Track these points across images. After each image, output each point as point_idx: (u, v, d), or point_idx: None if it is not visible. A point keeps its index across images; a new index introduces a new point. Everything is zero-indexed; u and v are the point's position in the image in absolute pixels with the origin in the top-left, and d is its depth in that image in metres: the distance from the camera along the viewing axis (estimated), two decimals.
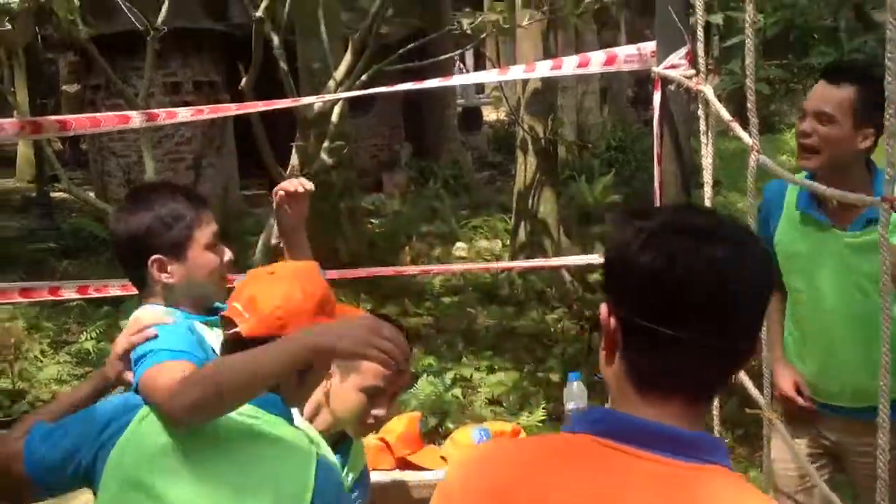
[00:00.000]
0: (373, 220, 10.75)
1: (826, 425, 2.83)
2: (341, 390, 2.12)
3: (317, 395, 2.07)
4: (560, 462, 1.23)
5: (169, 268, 2.00)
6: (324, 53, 7.07)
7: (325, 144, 6.67)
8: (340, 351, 1.65)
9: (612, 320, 1.25)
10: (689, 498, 1.16)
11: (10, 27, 4.49)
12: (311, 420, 2.10)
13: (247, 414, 1.71)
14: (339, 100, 6.21)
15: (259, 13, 5.55)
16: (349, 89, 6.05)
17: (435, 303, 7.74)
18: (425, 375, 5.64)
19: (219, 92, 11.72)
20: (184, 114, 3.86)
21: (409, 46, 7.06)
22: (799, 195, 2.64)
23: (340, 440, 2.19)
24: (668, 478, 1.17)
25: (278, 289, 1.77)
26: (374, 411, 2.12)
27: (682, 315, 1.18)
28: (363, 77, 6.21)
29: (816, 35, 4.96)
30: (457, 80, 5.28)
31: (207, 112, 4.52)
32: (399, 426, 2.80)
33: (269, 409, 1.73)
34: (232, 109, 4.42)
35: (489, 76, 5.59)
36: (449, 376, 5.78)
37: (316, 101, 5.52)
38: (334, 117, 6.70)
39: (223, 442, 1.70)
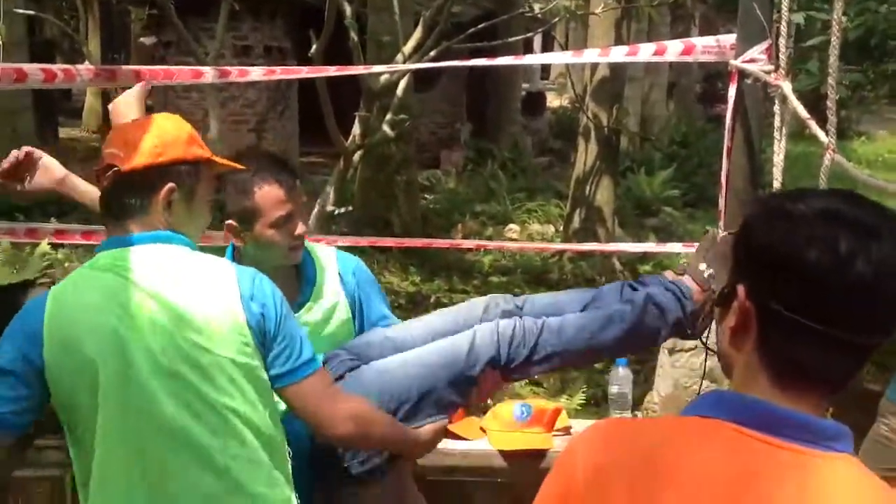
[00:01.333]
0: (427, 196, 10.77)
1: None
2: (258, 241, 2.26)
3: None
4: (697, 443, 1.21)
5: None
6: (394, 27, 7.09)
7: (388, 117, 6.70)
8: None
9: (750, 305, 1.22)
10: (822, 486, 1.16)
11: None
12: None
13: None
14: (405, 73, 6.23)
15: None
16: (417, 62, 6.08)
17: (483, 281, 7.75)
18: None
19: (288, 58, 11.80)
20: (256, 72, 3.89)
21: (480, 26, 7.06)
22: None
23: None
24: (800, 467, 1.17)
25: (147, 127, 1.89)
26: (296, 232, 2.28)
27: (839, 313, 1.16)
28: (431, 54, 6.23)
29: None
30: (529, 59, 5.28)
31: (279, 73, 4.56)
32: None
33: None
34: (303, 72, 4.45)
35: (562, 57, 5.56)
36: None
37: (385, 69, 5.55)
38: (399, 90, 6.72)
39: None
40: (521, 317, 2.29)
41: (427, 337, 2.29)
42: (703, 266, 2.34)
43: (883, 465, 2.71)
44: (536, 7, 7.85)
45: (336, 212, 6.57)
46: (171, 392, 1.77)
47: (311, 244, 2.47)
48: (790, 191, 1.24)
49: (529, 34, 8.06)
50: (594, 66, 8.10)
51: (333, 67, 3.79)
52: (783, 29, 2.54)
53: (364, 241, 6.09)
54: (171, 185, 1.87)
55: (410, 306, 6.96)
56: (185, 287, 1.82)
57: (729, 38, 2.94)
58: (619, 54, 3.35)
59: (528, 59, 4.90)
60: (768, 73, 2.62)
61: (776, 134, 2.53)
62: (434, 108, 14.04)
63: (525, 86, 17.85)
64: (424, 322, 2.41)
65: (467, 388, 2.22)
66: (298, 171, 2.38)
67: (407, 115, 7.19)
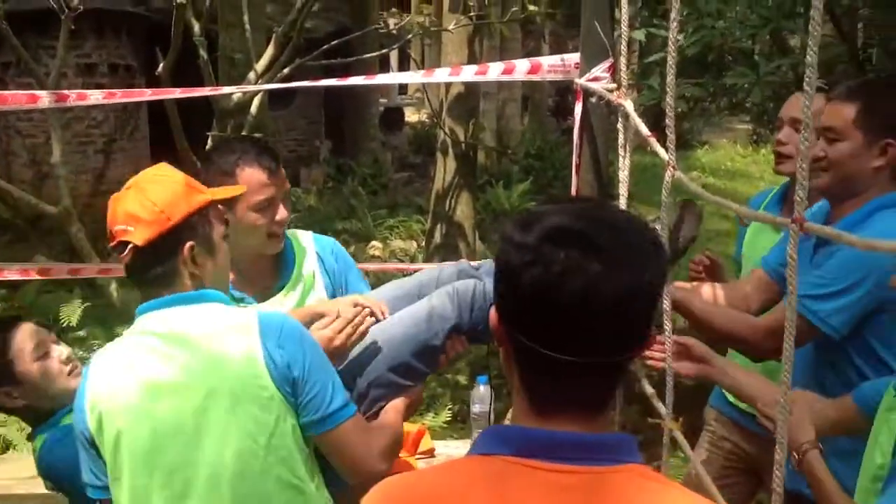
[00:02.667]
0: None
1: (743, 437, 2.90)
2: (238, 224, 2.24)
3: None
4: (471, 483, 1.18)
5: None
6: (246, 44, 6.95)
7: (243, 136, 6.55)
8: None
9: (501, 330, 1.22)
10: (603, 501, 1.14)
11: None
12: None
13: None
14: (258, 91, 6.11)
15: None
16: (270, 82, 5.96)
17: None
18: None
19: (135, 76, 11.42)
20: (95, 96, 3.72)
21: (334, 43, 7.01)
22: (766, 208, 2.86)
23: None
24: (580, 486, 1.14)
25: (145, 194, 1.87)
26: (277, 217, 2.31)
27: (561, 335, 1.15)
28: (285, 70, 6.13)
29: (734, 57, 5.09)
30: (380, 79, 5.23)
31: (120, 96, 4.38)
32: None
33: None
34: (146, 94, 4.30)
35: (413, 77, 5.58)
36: None
37: (234, 91, 5.42)
38: (253, 109, 6.59)
39: None
40: (479, 279, 2.26)
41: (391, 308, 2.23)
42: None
43: (715, 472, 2.81)
44: (392, 22, 7.84)
45: None
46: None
47: (290, 231, 2.49)
48: (532, 212, 1.23)
49: (384, 51, 8.04)
50: (448, 83, 8.18)
51: (178, 90, 3.66)
52: (622, 48, 2.60)
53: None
54: (189, 243, 1.88)
55: None
56: (205, 349, 1.83)
57: (573, 57, 3.01)
58: (469, 73, 3.38)
59: (378, 80, 4.86)
60: (611, 90, 2.68)
61: (620, 150, 2.59)
62: (291, 125, 13.89)
63: (383, 101, 17.87)
64: (384, 293, 2.36)
65: (433, 357, 2.21)
66: (281, 157, 2.41)
67: (262, 133, 7.05)
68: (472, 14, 7.60)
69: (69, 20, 5.50)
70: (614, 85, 2.73)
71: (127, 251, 1.85)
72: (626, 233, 1.18)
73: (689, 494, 1.22)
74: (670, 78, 2.10)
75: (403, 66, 20.61)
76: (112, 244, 1.89)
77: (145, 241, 1.84)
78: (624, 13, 2.53)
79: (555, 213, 1.19)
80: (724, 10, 4.66)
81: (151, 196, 1.86)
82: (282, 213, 2.31)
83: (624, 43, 2.63)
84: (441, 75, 3.64)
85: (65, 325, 6.88)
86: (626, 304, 1.14)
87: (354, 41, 9.30)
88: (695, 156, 18.15)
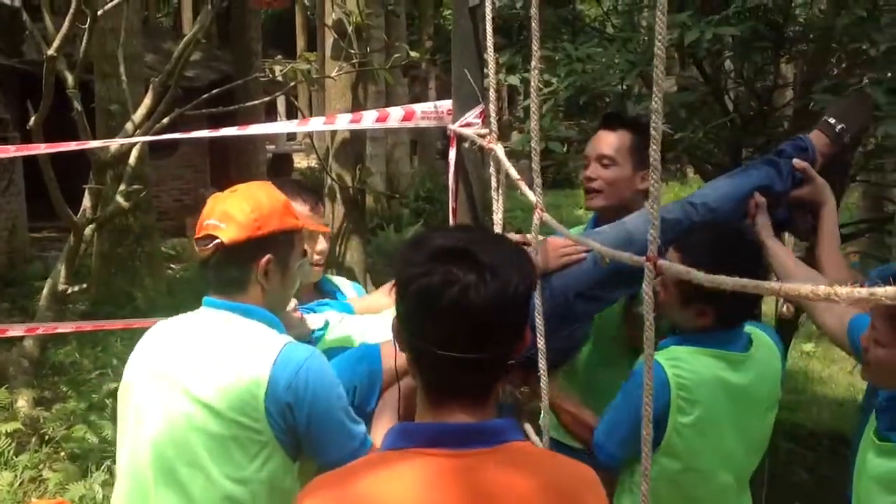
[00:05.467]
0: (174, 266, 10.38)
1: None
2: None
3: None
4: (388, 475, 1.36)
5: None
6: (123, 95, 6.83)
7: (122, 187, 6.41)
8: (546, 268, 2.37)
9: (401, 334, 1.44)
10: (496, 474, 1.35)
11: None
12: None
13: None
14: (136, 142, 6.00)
15: (51, 51, 5.28)
16: (148, 132, 5.86)
17: None
18: None
19: (8, 129, 11.02)
20: None
21: (214, 91, 6.95)
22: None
23: None
24: (467, 468, 1.35)
25: (245, 199, 2.00)
26: (318, 248, 2.49)
27: (444, 336, 1.36)
28: (164, 120, 6.04)
29: (608, 98, 5.25)
30: (253, 129, 5.17)
31: None
32: None
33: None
34: (10, 151, 4.16)
35: (287, 126, 5.58)
36: None
37: (103, 144, 5.31)
38: (131, 160, 6.46)
39: None
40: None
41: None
42: (832, 120, 2.57)
43: None
44: (277, 69, 7.82)
45: (69, 290, 6.16)
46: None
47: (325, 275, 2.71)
48: (423, 235, 1.48)
49: (267, 98, 8.01)
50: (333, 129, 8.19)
51: (45, 144, 3.57)
52: (492, 94, 2.67)
53: (115, 325, 5.76)
54: (268, 256, 2.00)
55: None
56: (217, 360, 1.91)
57: (446, 104, 3.07)
58: (343, 122, 3.40)
59: (252, 130, 4.82)
60: (483, 136, 2.74)
61: (494, 194, 2.64)
62: (175, 174, 13.63)
63: (271, 147, 17.78)
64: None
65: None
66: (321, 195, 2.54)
67: (142, 184, 6.92)
68: (354, 61, 7.64)
69: None
70: (486, 130, 2.78)
71: (211, 245, 1.96)
72: (498, 251, 1.41)
73: (564, 459, 1.49)
74: (533, 122, 2.16)
75: (292, 112, 20.58)
76: (197, 236, 2.00)
77: (231, 240, 1.95)
78: (490, 61, 2.60)
79: (440, 236, 1.44)
80: (593, 54, 4.81)
81: (251, 203, 1.99)
82: (322, 244, 2.50)
83: (493, 89, 2.70)
84: (316, 124, 3.66)
85: None
86: (497, 308, 1.36)
87: (238, 89, 9.25)
88: (579, 194, 18.58)
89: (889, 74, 4.06)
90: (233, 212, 1.97)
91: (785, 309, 2.17)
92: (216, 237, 1.96)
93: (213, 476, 1.90)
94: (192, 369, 1.93)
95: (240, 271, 2.00)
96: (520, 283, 1.40)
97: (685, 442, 2.26)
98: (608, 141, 2.84)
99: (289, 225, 2.04)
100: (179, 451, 1.92)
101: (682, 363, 2.26)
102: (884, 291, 0.95)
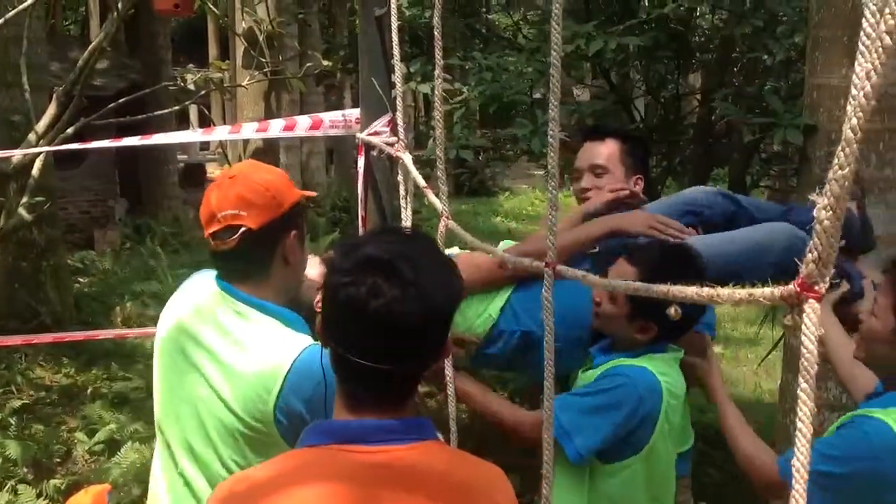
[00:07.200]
0: (81, 280, 10.11)
1: None
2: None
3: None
4: (305, 471, 1.38)
5: None
6: (26, 105, 6.62)
7: (25, 199, 6.21)
8: (629, 230, 2.43)
9: (324, 338, 1.44)
10: (410, 470, 1.38)
11: None
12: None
13: None
14: (39, 153, 5.82)
15: None
16: (53, 142, 5.69)
17: (147, 365, 7.36)
18: (130, 443, 5.33)
19: None
20: None
21: (122, 100, 6.79)
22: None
23: None
24: (384, 463, 1.37)
25: (252, 181, 1.93)
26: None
27: (366, 346, 1.37)
28: (69, 130, 5.87)
29: (517, 108, 5.32)
30: (157, 138, 5.06)
31: None
32: (85, 501, 2.61)
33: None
34: None
35: (193, 135, 5.47)
36: None
37: (5, 155, 5.14)
38: (35, 171, 6.26)
39: None
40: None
41: None
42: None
43: None
44: (188, 78, 7.72)
45: None
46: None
47: None
48: (353, 241, 1.48)
49: (177, 107, 7.87)
50: (247, 138, 8.10)
51: None
52: (399, 103, 2.68)
53: (15, 340, 5.58)
54: (294, 231, 1.97)
55: (65, 401, 6.45)
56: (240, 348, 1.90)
57: (354, 112, 3.07)
58: (249, 131, 3.37)
59: (155, 139, 4.71)
60: (391, 145, 2.75)
61: (402, 202, 2.65)
62: (82, 185, 13.26)
63: (183, 157, 17.47)
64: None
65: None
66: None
67: (47, 196, 6.71)
68: (266, 70, 7.59)
69: None
70: (394, 139, 2.79)
71: (238, 235, 1.89)
72: (428, 266, 1.40)
73: (474, 459, 1.50)
74: (438, 131, 2.18)
75: (205, 122, 20.25)
76: (214, 229, 1.92)
77: (260, 224, 1.90)
78: (398, 69, 2.61)
79: (372, 244, 1.42)
80: (504, 63, 4.88)
81: (263, 183, 1.93)
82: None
83: (400, 98, 2.71)
84: (221, 133, 3.61)
85: None
86: (420, 323, 1.37)
87: (149, 98, 9.06)
88: (497, 202, 18.77)
89: (783, 83, 4.21)
90: (249, 196, 1.92)
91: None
92: (241, 226, 1.90)
93: (224, 458, 1.92)
94: (211, 358, 1.93)
95: (265, 254, 1.96)
96: (444, 300, 1.41)
97: (665, 445, 2.35)
98: (598, 151, 2.87)
99: (297, 195, 2.02)
100: (195, 428, 1.95)
101: (665, 369, 2.35)
102: (761, 293, 0.98)
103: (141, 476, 4.93)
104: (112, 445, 5.48)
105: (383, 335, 1.36)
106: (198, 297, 2.03)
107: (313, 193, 2.32)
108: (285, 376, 1.86)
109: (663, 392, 2.30)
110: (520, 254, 2.29)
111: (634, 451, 2.32)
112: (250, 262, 1.96)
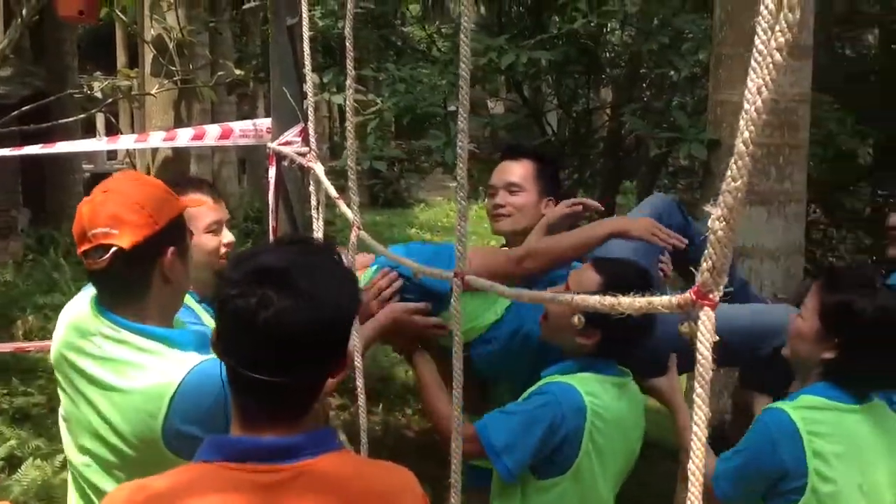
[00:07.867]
0: None
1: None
2: (195, 246, 2.15)
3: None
4: (190, 487, 1.34)
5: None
6: None
7: None
8: (632, 234, 2.48)
9: (218, 352, 1.40)
10: (286, 499, 1.33)
11: None
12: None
13: None
14: None
15: None
16: None
17: (48, 380, 7.12)
18: (32, 459, 5.14)
19: None
20: None
21: (26, 108, 6.60)
22: None
23: None
24: (278, 484, 1.33)
25: (128, 196, 1.82)
26: (225, 241, 2.42)
27: (256, 358, 1.33)
28: None
29: (431, 120, 5.35)
30: (61, 146, 4.87)
31: None
32: None
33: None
34: None
35: (98, 144, 5.31)
36: (59, 459, 5.30)
37: None
38: None
39: None
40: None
41: None
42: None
43: None
44: (96, 86, 7.52)
45: None
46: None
47: None
48: (247, 252, 1.45)
49: (83, 115, 7.68)
50: (156, 147, 7.93)
51: None
52: (311, 113, 2.67)
53: None
54: (171, 248, 1.83)
55: None
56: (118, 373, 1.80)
57: (265, 122, 3.05)
58: (156, 140, 3.31)
59: (57, 147, 4.51)
60: (302, 154, 2.74)
61: (314, 213, 2.64)
62: None
63: (89, 167, 17.00)
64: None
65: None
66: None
67: None
68: (176, 78, 7.45)
69: None
70: (306, 149, 2.78)
71: (108, 255, 1.78)
72: (324, 277, 1.37)
73: (381, 463, 1.49)
74: (350, 142, 2.18)
75: (112, 130, 19.76)
76: (86, 248, 1.80)
77: (132, 244, 1.78)
78: (309, 79, 2.60)
79: (265, 254, 1.40)
80: (418, 75, 4.90)
81: (137, 198, 1.81)
82: (228, 236, 2.45)
83: (312, 108, 2.70)
84: (126, 142, 3.54)
85: None
86: (311, 334, 1.33)
87: (54, 106, 8.81)
88: (412, 213, 18.80)
89: (689, 99, 4.34)
90: (122, 213, 1.79)
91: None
92: (111, 245, 1.78)
93: (122, 481, 1.80)
94: (95, 387, 1.83)
95: (142, 274, 1.83)
96: (338, 311, 1.38)
97: (592, 466, 2.32)
98: (513, 169, 2.95)
99: (178, 208, 1.89)
100: (91, 450, 1.87)
101: (595, 390, 2.33)
102: (660, 301, 1.01)
103: (42, 493, 4.76)
104: (13, 462, 5.27)
105: (274, 347, 1.33)
106: (80, 322, 1.91)
107: (201, 202, 2.25)
108: (171, 399, 1.75)
109: (587, 412, 2.29)
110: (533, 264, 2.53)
111: (561, 471, 2.31)
112: (126, 283, 1.84)
